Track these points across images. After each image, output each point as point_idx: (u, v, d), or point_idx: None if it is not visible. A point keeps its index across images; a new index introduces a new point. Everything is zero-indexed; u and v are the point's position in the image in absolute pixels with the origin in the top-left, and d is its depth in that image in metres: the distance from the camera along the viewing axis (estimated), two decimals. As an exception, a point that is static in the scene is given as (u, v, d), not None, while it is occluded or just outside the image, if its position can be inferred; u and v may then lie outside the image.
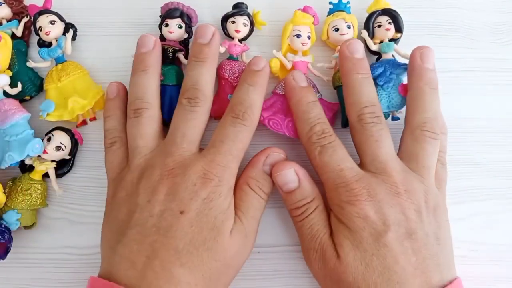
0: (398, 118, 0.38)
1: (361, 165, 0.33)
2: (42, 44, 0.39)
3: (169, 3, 0.39)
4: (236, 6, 0.39)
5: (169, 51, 0.38)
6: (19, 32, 0.39)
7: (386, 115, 0.38)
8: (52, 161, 0.36)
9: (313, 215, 0.32)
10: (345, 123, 0.38)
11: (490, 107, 0.41)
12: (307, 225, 0.32)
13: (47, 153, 0.35)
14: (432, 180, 0.33)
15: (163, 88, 0.37)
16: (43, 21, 0.37)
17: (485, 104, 0.41)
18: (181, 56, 0.38)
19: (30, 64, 0.38)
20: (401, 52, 0.38)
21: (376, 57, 0.40)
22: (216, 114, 0.38)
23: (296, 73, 0.35)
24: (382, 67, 0.37)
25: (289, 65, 0.38)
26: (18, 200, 0.35)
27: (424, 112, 0.33)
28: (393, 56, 0.38)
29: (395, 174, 0.31)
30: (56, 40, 0.38)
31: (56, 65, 0.38)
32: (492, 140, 0.40)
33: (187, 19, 0.38)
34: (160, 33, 0.39)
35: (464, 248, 0.38)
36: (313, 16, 0.39)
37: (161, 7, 0.39)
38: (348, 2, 0.40)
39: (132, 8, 0.41)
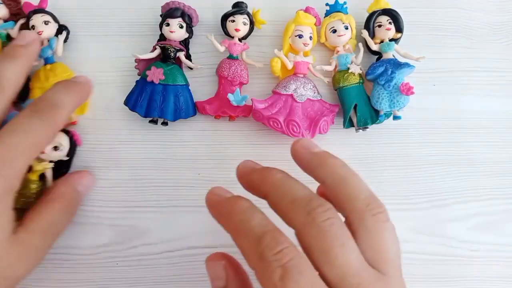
0: (400, 117, 0.38)
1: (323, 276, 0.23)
2: None
3: (170, 2, 0.38)
4: (236, 5, 0.39)
5: (171, 50, 0.38)
6: (14, 33, 0.38)
7: (388, 115, 0.38)
8: (50, 161, 0.36)
9: None
10: (347, 124, 0.38)
11: (490, 107, 0.41)
12: None
13: (44, 153, 0.35)
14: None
15: (164, 88, 0.37)
16: (37, 20, 0.37)
17: (485, 104, 0.41)
18: (182, 56, 0.38)
19: None
20: (401, 52, 0.39)
21: (376, 57, 0.40)
22: (215, 113, 0.38)
23: (215, 189, 0.27)
24: (383, 67, 0.37)
25: (290, 65, 0.38)
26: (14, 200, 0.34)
27: (360, 194, 0.26)
28: (393, 56, 0.38)
29: None
30: (48, 40, 0.38)
31: (44, 65, 0.38)
32: (492, 140, 0.40)
33: (188, 19, 0.38)
34: (160, 32, 0.39)
35: (464, 248, 0.38)
36: (315, 17, 0.39)
37: (162, 6, 0.39)
38: (345, 3, 0.40)
39: (132, 8, 0.40)
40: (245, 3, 0.39)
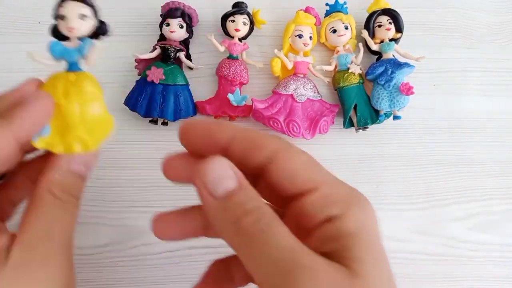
0: (400, 117, 0.38)
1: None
2: (57, 35, 0.26)
3: (170, 2, 0.38)
4: (236, 5, 0.39)
5: (171, 50, 0.38)
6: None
7: (388, 115, 0.38)
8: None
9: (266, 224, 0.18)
10: (347, 124, 0.38)
11: (490, 107, 0.41)
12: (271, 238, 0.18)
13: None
14: None
15: (165, 87, 0.37)
16: (71, 10, 0.26)
17: (485, 104, 0.41)
18: (182, 55, 0.38)
19: (30, 55, 0.25)
20: (401, 51, 0.39)
21: (376, 56, 0.40)
22: (215, 113, 0.38)
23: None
24: (383, 67, 0.37)
25: (290, 65, 0.38)
26: None
27: None
28: (393, 55, 0.38)
29: None
30: (79, 39, 0.26)
31: (67, 71, 0.26)
32: (492, 140, 0.40)
33: (188, 19, 0.38)
34: (160, 32, 0.39)
35: (464, 248, 0.38)
36: (315, 17, 0.39)
37: (162, 6, 0.39)
38: (345, 3, 0.40)
39: (132, 8, 0.40)
40: (245, 3, 0.39)
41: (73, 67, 0.26)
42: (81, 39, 0.26)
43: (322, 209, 0.19)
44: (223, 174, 0.19)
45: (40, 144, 0.24)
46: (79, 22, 0.25)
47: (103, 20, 0.27)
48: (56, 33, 0.26)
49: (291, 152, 0.21)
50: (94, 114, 0.26)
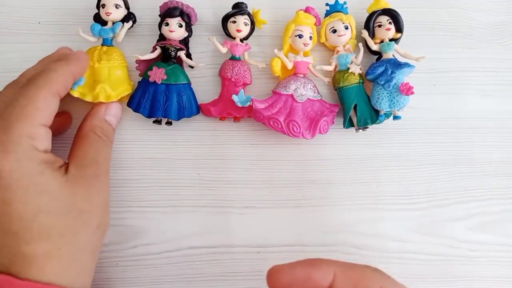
0: (400, 117, 0.38)
1: None
2: (98, 20, 0.39)
3: (168, 2, 0.38)
4: (236, 5, 0.39)
5: (171, 50, 0.38)
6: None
7: (388, 115, 0.38)
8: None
9: None
10: (347, 124, 0.38)
11: (490, 107, 0.41)
12: None
13: None
14: None
15: (167, 87, 0.37)
16: (109, 0, 0.37)
17: (485, 104, 0.41)
18: (182, 55, 0.38)
19: (79, 32, 0.37)
20: (401, 51, 0.39)
21: (376, 56, 0.40)
22: (220, 114, 0.38)
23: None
24: (383, 67, 0.37)
25: (290, 65, 0.38)
26: None
27: None
28: (393, 55, 0.38)
29: None
30: (113, 23, 0.38)
31: (102, 45, 0.38)
32: (492, 140, 0.40)
33: (187, 17, 0.38)
34: (159, 32, 0.39)
35: (464, 248, 0.38)
36: (315, 17, 0.39)
37: (160, 6, 0.39)
38: (345, 3, 0.40)
39: (131, 8, 0.40)
40: (245, 4, 0.39)
41: (106, 42, 0.38)
42: (113, 23, 0.38)
43: None
44: (324, 274, 0.23)
45: (74, 93, 0.35)
46: (114, 9, 0.37)
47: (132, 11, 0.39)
48: (97, 19, 0.39)
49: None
50: (117, 74, 0.37)
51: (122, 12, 0.38)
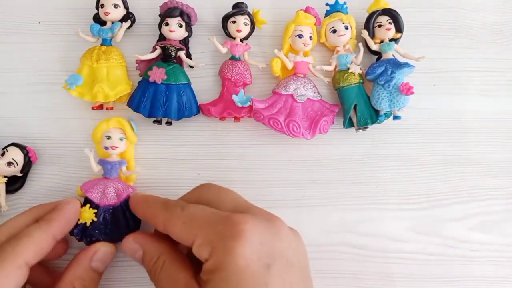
0: (400, 117, 0.38)
1: None
2: (97, 20, 0.39)
3: (168, 2, 0.38)
4: (236, 5, 0.39)
5: (171, 50, 0.38)
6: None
7: (388, 115, 0.38)
8: (4, 176, 0.35)
9: (164, 269, 0.28)
10: (347, 124, 0.38)
11: (490, 107, 0.41)
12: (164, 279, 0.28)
13: None
14: None
15: (167, 87, 0.37)
16: (108, 0, 0.38)
17: (485, 104, 0.41)
18: (182, 55, 0.38)
19: (78, 32, 0.38)
20: (401, 51, 0.39)
21: (376, 56, 0.40)
22: (220, 114, 0.38)
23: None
24: (383, 67, 0.37)
25: (290, 65, 0.38)
26: None
27: None
28: (393, 55, 0.38)
29: None
30: (112, 23, 0.38)
31: (101, 45, 0.38)
32: (492, 140, 0.40)
33: (187, 17, 0.38)
34: (159, 32, 0.39)
35: (464, 248, 0.38)
36: (315, 17, 0.39)
37: (160, 6, 0.39)
38: (345, 3, 0.40)
39: (131, 8, 0.40)
40: (245, 3, 0.39)
41: (105, 42, 0.38)
42: (112, 23, 0.38)
43: (198, 254, 0.26)
44: (133, 248, 0.30)
45: (73, 92, 0.36)
46: (112, 9, 0.38)
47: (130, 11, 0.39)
48: (97, 19, 0.39)
49: (171, 220, 0.28)
50: (115, 74, 0.37)
51: (121, 12, 0.38)
